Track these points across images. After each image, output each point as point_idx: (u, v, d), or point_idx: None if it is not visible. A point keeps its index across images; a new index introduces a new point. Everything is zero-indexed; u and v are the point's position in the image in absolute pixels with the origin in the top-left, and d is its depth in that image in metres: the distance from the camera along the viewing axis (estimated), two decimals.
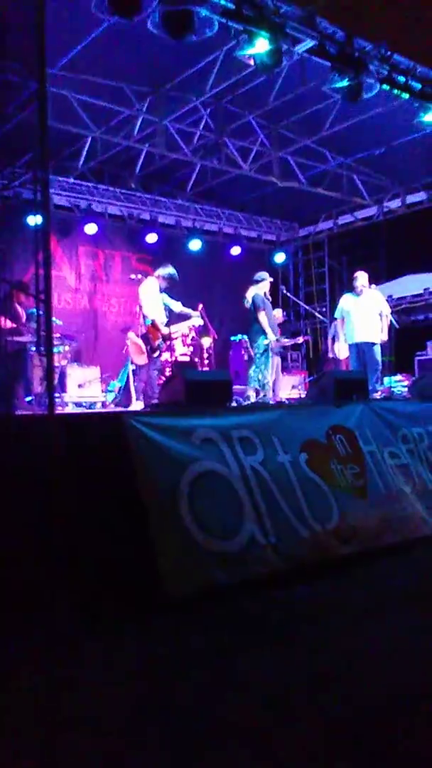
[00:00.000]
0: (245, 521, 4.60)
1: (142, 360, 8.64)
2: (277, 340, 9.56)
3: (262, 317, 8.97)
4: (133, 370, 8.99)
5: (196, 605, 3.96)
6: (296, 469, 5.17)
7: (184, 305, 9.14)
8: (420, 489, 6.04)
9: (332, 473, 5.42)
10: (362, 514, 5.37)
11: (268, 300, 9.26)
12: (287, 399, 9.79)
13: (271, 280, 9.31)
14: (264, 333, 9.02)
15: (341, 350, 11.04)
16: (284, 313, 12.56)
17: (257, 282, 9.26)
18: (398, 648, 3.44)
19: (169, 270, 8.62)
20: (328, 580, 4.61)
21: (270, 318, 9.13)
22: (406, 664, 3.25)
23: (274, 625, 3.83)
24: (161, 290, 8.65)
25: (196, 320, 9.55)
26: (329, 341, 11.55)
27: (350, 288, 9.44)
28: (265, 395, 8.91)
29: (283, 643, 3.56)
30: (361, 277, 9.23)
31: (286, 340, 11.24)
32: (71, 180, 11.36)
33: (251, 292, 9.17)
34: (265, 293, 9.19)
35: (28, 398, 8.14)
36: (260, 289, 9.17)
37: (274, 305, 11.13)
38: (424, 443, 6.49)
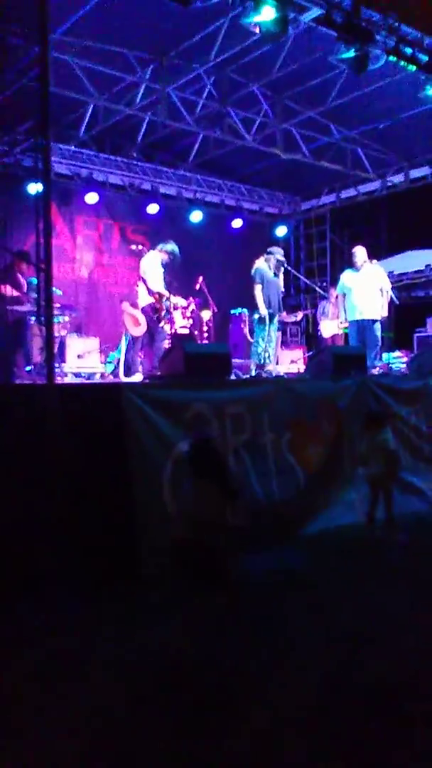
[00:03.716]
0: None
1: (138, 331, 8.63)
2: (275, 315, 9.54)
3: (257, 291, 8.91)
4: (128, 342, 8.97)
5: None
6: (276, 451, 5.31)
7: (184, 277, 9.09)
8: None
9: (310, 457, 5.52)
10: (328, 494, 5.53)
11: (274, 274, 9.10)
12: (286, 373, 9.80)
13: (280, 257, 9.13)
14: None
15: (326, 328, 11.05)
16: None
17: (265, 255, 9.18)
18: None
19: (172, 246, 8.57)
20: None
21: (269, 293, 9.02)
22: None
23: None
24: (162, 264, 8.61)
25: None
26: (318, 317, 11.54)
27: (350, 264, 9.39)
28: (264, 368, 8.90)
29: None
30: (360, 253, 9.17)
31: (284, 314, 11.22)
32: (72, 148, 11.23)
33: (255, 265, 9.12)
34: (271, 267, 9.06)
35: (28, 368, 8.16)
36: (264, 262, 9.09)
37: None
38: (412, 421, 6.54)
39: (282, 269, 9.18)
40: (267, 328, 8.91)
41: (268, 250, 9.26)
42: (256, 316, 9.03)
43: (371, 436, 5.62)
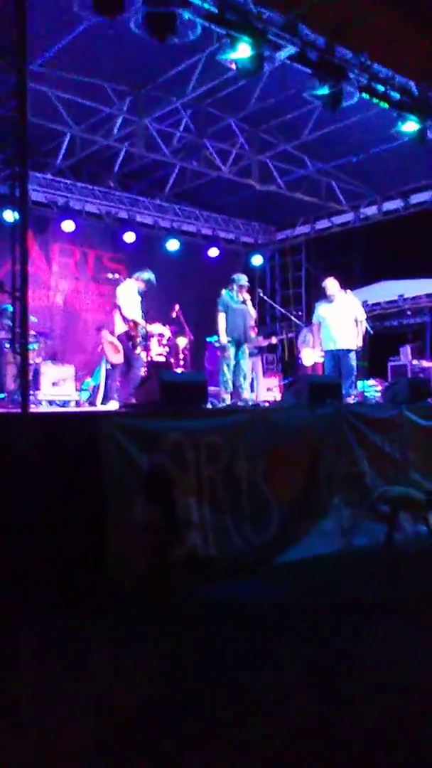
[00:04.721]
0: (191, 532, 4.69)
1: (117, 359, 8.62)
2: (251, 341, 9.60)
3: (220, 319, 8.96)
4: (107, 369, 8.95)
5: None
6: (251, 480, 5.31)
7: (160, 305, 9.13)
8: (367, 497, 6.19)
9: (285, 486, 5.54)
10: (300, 525, 5.54)
11: (240, 302, 9.14)
12: (262, 402, 9.83)
13: (243, 284, 9.19)
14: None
15: (307, 357, 11.13)
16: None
17: (229, 283, 9.26)
18: None
19: (149, 274, 8.61)
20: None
21: (234, 321, 9.03)
22: None
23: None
24: (139, 293, 8.63)
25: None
26: (299, 346, 11.62)
27: (324, 295, 9.47)
28: (241, 397, 8.91)
29: None
30: (331, 284, 9.23)
31: (261, 338, 11.30)
32: (49, 176, 11.29)
33: (222, 293, 9.20)
34: (234, 294, 9.10)
35: (1, 395, 8.09)
36: (228, 291, 9.16)
37: None
38: (386, 450, 6.60)
39: (247, 296, 9.19)
40: (232, 356, 8.94)
41: (232, 277, 9.33)
42: (217, 344, 9.09)
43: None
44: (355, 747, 2.62)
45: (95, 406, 8.91)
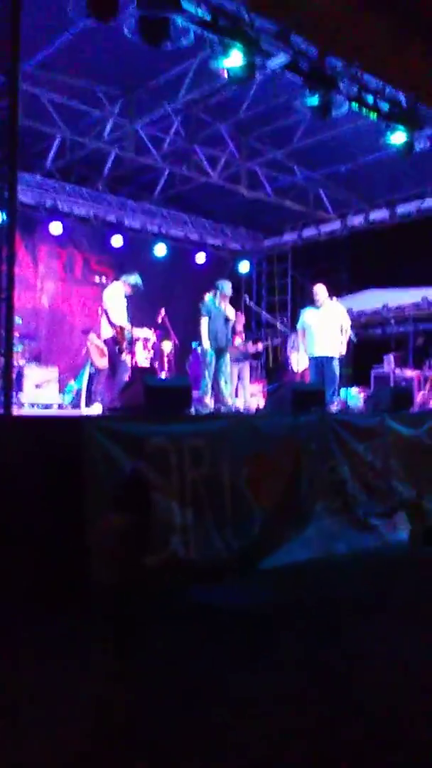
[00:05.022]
0: (172, 536, 4.69)
1: (102, 363, 8.60)
2: (236, 347, 9.63)
3: (203, 324, 9.01)
4: (92, 373, 8.93)
5: None
6: (234, 485, 5.30)
7: (147, 310, 9.14)
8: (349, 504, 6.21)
9: (267, 492, 5.54)
10: (281, 531, 5.54)
11: (221, 308, 9.19)
12: (245, 408, 9.85)
13: (226, 293, 9.25)
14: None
15: (299, 362, 11.17)
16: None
17: (213, 289, 9.31)
18: None
19: (135, 278, 8.59)
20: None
21: (216, 327, 9.07)
22: None
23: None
24: (125, 296, 8.63)
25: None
26: (288, 351, 11.66)
27: (311, 301, 9.55)
28: (224, 403, 8.93)
29: None
30: (321, 291, 9.32)
31: (250, 344, 11.33)
32: (38, 177, 11.26)
33: (204, 298, 9.25)
34: (218, 301, 9.15)
35: None
36: (212, 296, 9.20)
37: None
38: (368, 458, 6.64)
39: (231, 309, 9.24)
40: (212, 362, 8.97)
41: (216, 283, 9.37)
42: (199, 349, 9.12)
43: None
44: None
45: (78, 409, 8.88)
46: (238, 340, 10.76)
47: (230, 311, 9.22)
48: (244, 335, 11.38)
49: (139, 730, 2.74)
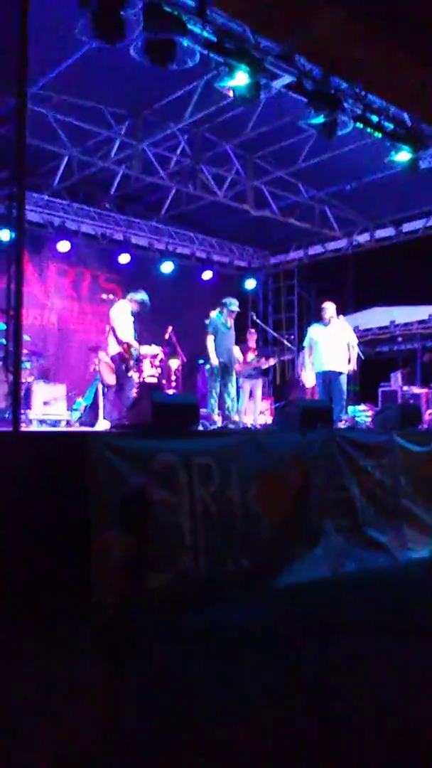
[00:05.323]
0: (182, 555, 4.66)
1: (113, 380, 8.61)
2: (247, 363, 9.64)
3: (209, 341, 9.05)
4: (102, 389, 8.94)
5: None
6: (243, 503, 5.28)
7: (154, 327, 9.18)
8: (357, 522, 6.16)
9: (276, 510, 5.51)
10: (291, 550, 5.51)
11: (227, 326, 9.25)
12: (252, 425, 9.83)
13: (233, 309, 9.33)
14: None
15: (308, 378, 11.16)
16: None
17: (220, 306, 9.37)
18: None
19: (142, 295, 8.64)
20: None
21: (222, 344, 9.12)
22: None
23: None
24: (132, 314, 8.66)
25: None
26: (299, 368, 11.65)
27: (318, 318, 9.57)
28: (231, 420, 8.92)
29: None
30: (330, 308, 9.35)
31: (263, 360, 11.33)
32: (46, 197, 11.37)
33: (210, 315, 9.29)
34: (224, 318, 9.22)
35: None
36: (218, 313, 9.24)
37: (244, 331, 11.23)
38: (377, 476, 6.59)
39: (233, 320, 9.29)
40: (218, 379, 8.98)
41: (223, 301, 9.41)
42: (207, 366, 9.14)
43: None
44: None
45: (86, 425, 8.87)
46: (251, 356, 10.79)
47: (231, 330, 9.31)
48: (257, 351, 11.40)
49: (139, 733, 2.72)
